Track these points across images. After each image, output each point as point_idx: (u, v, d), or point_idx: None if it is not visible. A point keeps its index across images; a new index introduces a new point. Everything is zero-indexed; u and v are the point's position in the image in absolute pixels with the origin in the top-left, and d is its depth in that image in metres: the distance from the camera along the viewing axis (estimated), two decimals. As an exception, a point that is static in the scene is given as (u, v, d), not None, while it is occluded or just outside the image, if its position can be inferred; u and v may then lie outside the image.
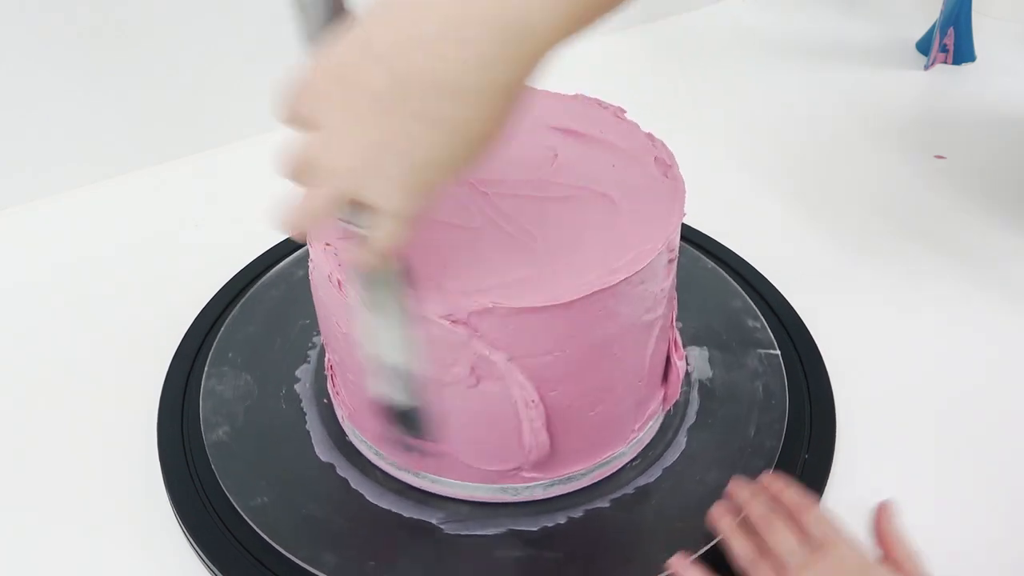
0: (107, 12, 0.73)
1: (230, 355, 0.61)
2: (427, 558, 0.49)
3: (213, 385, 0.58)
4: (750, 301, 0.65)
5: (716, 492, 0.51)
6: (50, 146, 0.76)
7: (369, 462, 0.54)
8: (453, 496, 0.52)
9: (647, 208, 0.48)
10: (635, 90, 0.92)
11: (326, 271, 0.46)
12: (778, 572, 0.44)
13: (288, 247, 0.69)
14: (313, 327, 0.62)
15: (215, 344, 0.61)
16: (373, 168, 0.35)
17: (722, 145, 0.87)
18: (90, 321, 0.65)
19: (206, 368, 0.60)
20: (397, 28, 0.33)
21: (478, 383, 0.45)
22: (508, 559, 0.49)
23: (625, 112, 0.55)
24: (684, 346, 0.60)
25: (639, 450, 0.55)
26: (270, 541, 0.49)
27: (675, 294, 0.52)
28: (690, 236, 0.70)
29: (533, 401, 0.46)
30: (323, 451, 0.55)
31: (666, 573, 0.47)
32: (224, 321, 0.63)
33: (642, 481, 0.53)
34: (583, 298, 0.43)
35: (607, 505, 0.52)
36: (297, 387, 0.59)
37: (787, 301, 0.66)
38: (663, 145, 0.52)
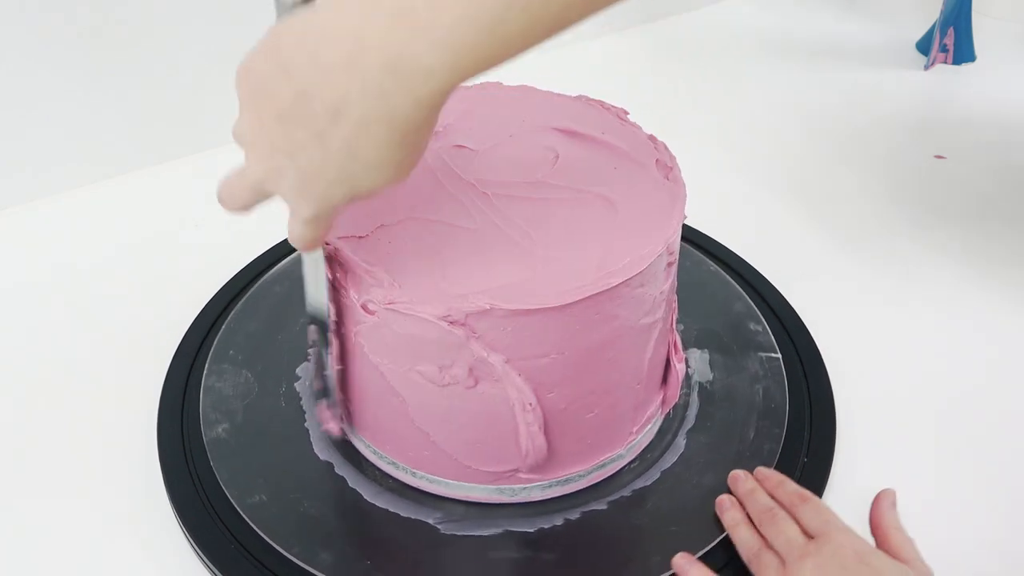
0: (107, 12, 0.73)
1: (231, 352, 0.61)
2: (423, 558, 0.49)
3: (213, 382, 0.58)
4: (752, 304, 0.64)
5: (713, 495, 0.51)
6: (50, 146, 0.76)
7: (367, 460, 0.54)
8: (450, 496, 0.52)
9: (647, 211, 0.48)
10: (635, 90, 0.92)
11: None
12: (779, 564, 0.45)
13: (289, 246, 0.69)
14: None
15: (216, 341, 0.61)
16: (276, 174, 0.38)
17: (722, 145, 0.87)
18: (90, 321, 0.65)
19: (207, 365, 0.60)
20: (304, 48, 0.34)
21: (476, 384, 0.45)
22: (504, 560, 0.49)
23: (628, 114, 0.55)
24: (685, 348, 0.60)
25: (637, 452, 0.55)
26: (270, 541, 0.49)
27: (675, 297, 0.52)
28: (690, 236, 0.70)
29: (531, 404, 0.46)
30: (321, 449, 0.55)
31: (669, 573, 0.47)
32: (225, 319, 0.63)
33: (640, 484, 0.53)
34: (581, 301, 0.43)
35: (604, 507, 0.52)
36: (297, 385, 0.59)
37: (787, 301, 0.66)
38: (665, 147, 0.52)
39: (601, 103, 0.56)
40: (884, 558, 0.44)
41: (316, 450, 0.55)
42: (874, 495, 0.53)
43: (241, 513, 0.50)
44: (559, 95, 0.57)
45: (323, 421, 0.53)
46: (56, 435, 0.57)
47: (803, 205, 0.78)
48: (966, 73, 0.99)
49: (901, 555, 0.45)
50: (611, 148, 0.52)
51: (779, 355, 0.60)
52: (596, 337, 0.45)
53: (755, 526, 0.48)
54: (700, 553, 0.48)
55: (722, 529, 0.49)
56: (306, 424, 0.56)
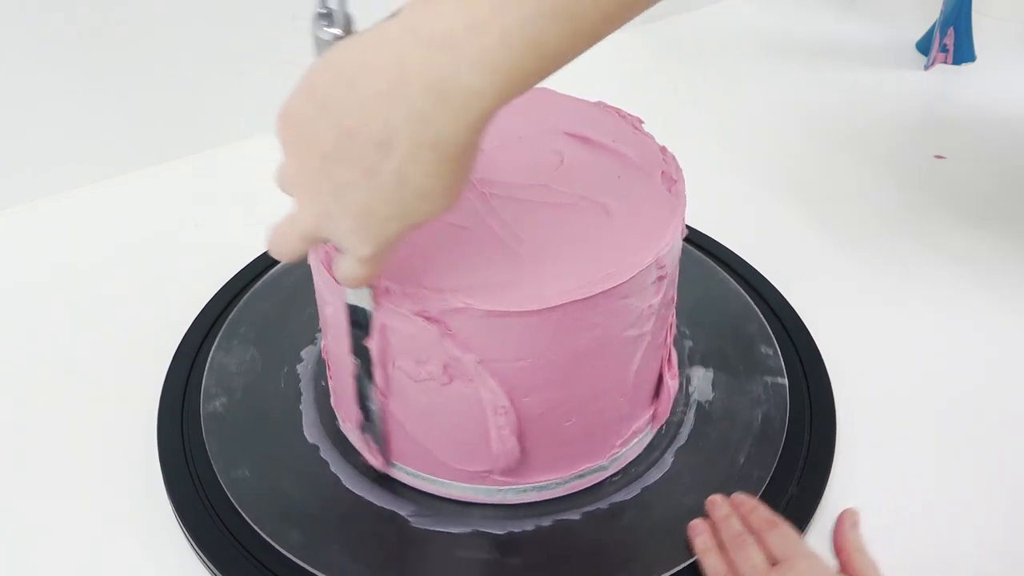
0: (107, 12, 0.73)
1: (242, 329, 0.62)
2: (391, 549, 0.50)
3: (220, 357, 0.60)
4: (766, 324, 0.63)
5: (691, 517, 0.50)
6: (50, 146, 0.76)
7: (352, 448, 0.55)
8: (426, 491, 0.52)
9: (643, 223, 0.47)
10: (635, 90, 0.92)
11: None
12: None
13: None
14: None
15: (230, 317, 0.63)
16: (328, 218, 0.37)
17: (722, 145, 0.87)
18: (90, 321, 0.65)
19: (216, 341, 0.61)
20: (342, 84, 0.34)
21: (450, 382, 0.45)
22: (470, 560, 0.49)
23: (643, 123, 0.54)
24: (690, 365, 0.60)
25: (622, 466, 0.54)
26: (271, 542, 0.49)
27: (672, 312, 0.52)
28: (690, 236, 0.70)
29: (503, 407, 0.46)
30: (311, 432, 0.56)
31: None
32: (225, 321, 0.63)
33: (618, 497, 0.52)
34: (558, 307, 0.43)
35: (578, 517, 0.51)
36: (299, 367, 0.60)
37: (787, 301, 0.66)
38: (674, 160, 0.52)
39: (618, 110, 0.55)
40: None
41: (306, 432, 0.56)
42: (874, 495, 0.53)
43: (242, 513, 0.50)
44: (577, 99, 0.56)
45: (365, 454, 0.53)
46: (56, 435, 0.57)
47: (803, 205, 0.78)
48: (966, 73, 0.99)
49: None
50: (619, 156, 0.51)
51: (786, 381, 0.59)
52: (575, 345, 0.45)
53: (726, 551, 0.48)
54: (669, 573, 0.48)
55: (693, 553, 0.48)
56: (300, 406, 0.57)
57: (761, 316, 0.64)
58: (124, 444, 0.56)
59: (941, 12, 0.98)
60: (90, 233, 0.75)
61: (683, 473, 0.54)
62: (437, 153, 0.33)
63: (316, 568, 0.48)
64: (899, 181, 0.82)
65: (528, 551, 0.50)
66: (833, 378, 0.60)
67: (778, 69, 1.01)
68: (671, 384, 0.54)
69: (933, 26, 1.00)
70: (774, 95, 0.96)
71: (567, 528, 0.51)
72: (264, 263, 0.68)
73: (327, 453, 0.54)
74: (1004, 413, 0.59)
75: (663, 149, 0.52)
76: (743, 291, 0.66)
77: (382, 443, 0.51)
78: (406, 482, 0.53)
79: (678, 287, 0.62)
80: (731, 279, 0.67)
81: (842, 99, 0.95)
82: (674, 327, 0.54)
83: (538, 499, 0.52)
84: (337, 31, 0.39)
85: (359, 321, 0.46)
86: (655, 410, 0.55)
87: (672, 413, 0.57)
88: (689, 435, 0.56)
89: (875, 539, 0.51)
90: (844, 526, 0.50)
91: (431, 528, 0.50)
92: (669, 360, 0.54)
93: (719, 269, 0.68)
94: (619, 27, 0.33)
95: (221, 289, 0.66)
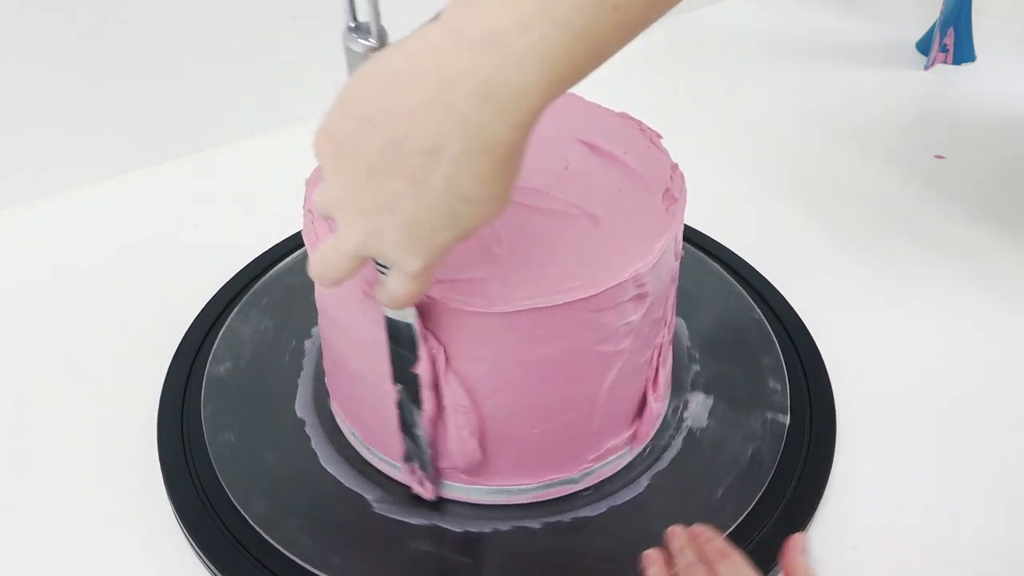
0: (107, 12, 0.73)
1: (264, 300, 0.65)
2: (347, 530, 0.50)
3: (237, 323, 0.63)
4: (782, 359, 0.61)
5: (653, 542, 0.48)
6: (50, 146, 0.76)
7: (338, 428, 0.56)
8: (396, 478, 0.53)
9: (630, 238, 0.46)
10: (635, 90, 0.92)
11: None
12: None
13: (288, 246, 0.69)
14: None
15: (256, 287, 0.65)
16: (378, 234, 0.36)
17: (722, 145, 0.87)
18: (90, 321, 0.65)
19: (237, 308, 0.64)
20: (386, 94, 0.33)
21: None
22: (421, 553, 0.49)
23: (661, 138, 0.53)
24: (692, 390, 0.59)
25: (595, 482, 0.53)
26: (271, 541, 0.49)
27: (662, 333, 0.51)
28: (690, 236, 0.70)
29: (463, 406, 0.46)
30: (301, 406, 0.57)
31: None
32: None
33: (584, 512, 0.51)
34: (521, 312, 0.42)
35: (537, 526, 0.51)
36: (307, 343, 0.61)
37: (787, 301, 0.66)
38: (682, 179, 0.50)
39: (640, 123, 0.54)
40: None
41: (296, 406, 0.57)
42: (874, 495, 0.53)
43: (242, 513, 0.50)
44: (602, 108, 0.55)
45: (411, 484, 0.52)
46: (56, 435, 0.57)
47: (803, 205, 0.78)
48: (966, 73, 0.99)
49: None
50: (625, 169, 0.50)
51: (787, 419, 0.57)
52: (538, 353, 0.45)
53: None
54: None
55: None
56: (299, 380, 0.59)
57: (779, 349, 0.61)
58: (124, 444, 0.56)
59: (941, 12, 0.98)
60: (90, 233, 0.75)
61: (656, 498, 0.52)
62: (486, 155, 0.33)
63: (317, 568, 0.48)
64: (899, 181, 0.82)
65: (480, 552, 0.50)
66: (833, 378, 0.60)
67: (778, 69, 1.01)
68: (655, 406, 0.53)
69: (933, 26, 1.00)
70: (774, 95, 0.96)
71: (525, 535, 0.50)
72: (264, 263, 0.68)
73: (312, 429, 0.56)
74: (1004, 413, 0.59)
75: (674, 167, 0.51)
76: (745, 292, 0.66)
77: (432, 468, 0.50)
78: (379, 467, 0.54)
79: (694, 307, 0.62)
80: (735, 282, 0.67)
81: (842, 99, 0.95)
82: (665, 350, 0.52)
83: (502, 503, 0.52)
84: (370, 42, 0.38)
85: (401, 337, 0.44)
86: (636, 430, 0.53)
87: (660, 436, 0.55)
88: (672, 460, 0.54)
89: (875, 539, 0.51)
90: (793, 552, 0.48)
91: (391, 516, 0.51)
92: (655, 382, 0.52)
93: (726, 274, 0.68)
94: (663, 15, 0.33)
95: (221, 289, 0.66)
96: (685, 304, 0.62)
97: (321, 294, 0.51)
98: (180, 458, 0.54)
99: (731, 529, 0.50)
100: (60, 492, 0.54)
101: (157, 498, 0.53)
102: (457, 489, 0.52)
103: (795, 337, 0.63)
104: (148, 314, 0.65)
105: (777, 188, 0.81)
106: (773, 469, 0.54)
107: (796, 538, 0.48)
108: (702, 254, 0.70)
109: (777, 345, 0.62)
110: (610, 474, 0.54)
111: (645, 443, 0.55)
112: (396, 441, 0.49)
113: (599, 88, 0.59)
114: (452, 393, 0.46)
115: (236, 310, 0.63)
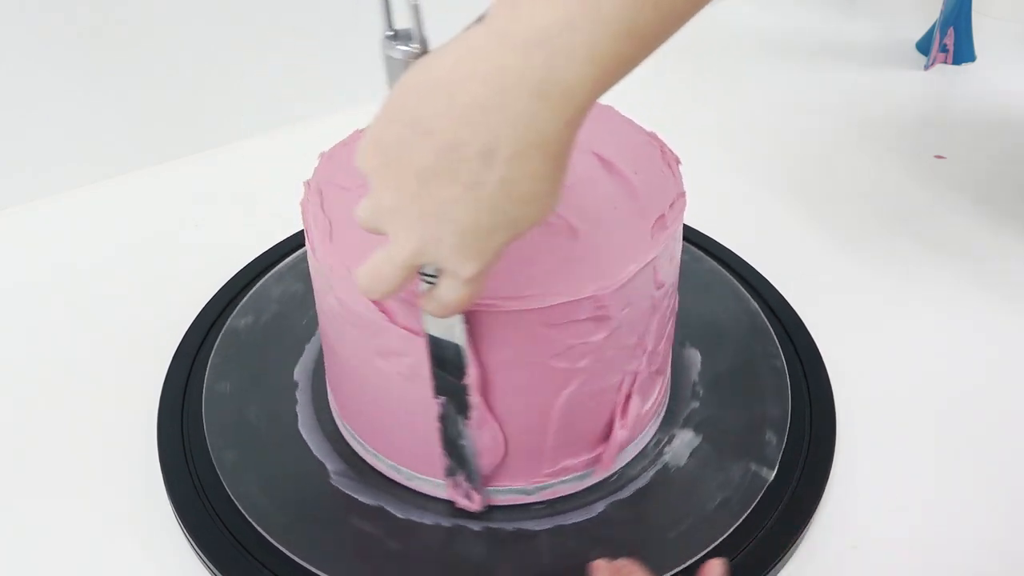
0: (107, 12, 0.73)
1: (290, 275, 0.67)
2: (303, 492, 0.53)
3: (271, 284, 0.66)
4: (789, 410, 0.57)
5: (583, 567, 0.46)
6: (50, 146, 0.76)
7: (326, 399, 0.57)
8: (359, 454, 0.54)
9: (602, 257, 0.45)
10: (635, 90, 0.92)
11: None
12: None
13: (289, 246, 0.69)
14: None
15: (256, 287, 0.66)
16: (432, 242, 0.35)
17: (722, 145, 0.87)
18: (90, 321, 0.65)
19: (241, 303, 0.65)
20: (437, 99, 0.33)
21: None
22: (363, 533, 0.50)
23: (680, 164, 0.52)
24: (683, 426, 0.56)
25: (548, 498, 0.52)
26: (272, 541, 0.49)
27: (637, 363, 0.49)
28: (690, 236, 0.70)
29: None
30: (299, 371, 0.59)
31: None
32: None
33: (528, 526, 0.51)
34: (472, 312, 0.42)
35: (477, 528, 0.50)
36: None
37: (787, 301, 0.66)
38: (681, 206, 0.49)
39: (662, 145, 0.53)
40: None
41: (295, 368, 0.60)
42: (874, 495, 0.53)
43: (243, 512, 0.50)
44: (632, 124, 0.54)
45: (455, 499, 0.51)
46: (56, 435, 0.57)
47: (803, 205, 0.78)
48: (966, 73, 0.99)
49: None
50: (629, 189, 0.49)
51: (771, 475, 0.53)
52: (494, 359, 0.44)
53: None
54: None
55: None
56: (307, 345, 0.61)
57: (791, 404, 0.58)
58: (124, 444, 0.56)
59: (941, 12, 0.98)
60: (90, 233, 0.75)
61: (605, 526, 0.51)
62: (543, 155, 0.33)
63: (316, 567, 0.48)
64: (899, 181, 0.82)
65: (413, 541, 0.50)
66: (833, 378, 0.60)
67: (778, 69, 1.01)
68: (620, 434, 0.51)
69: (933, 26, 0.99)
70: (774, 95, 0.96)
71: (462, 534, 0.50)
72: (264, 263, 0.68)
73: (302, 393, 0.58)
74: (1004, 413, 0.59)
75: (681, 194, 0.50)
76: (746, 293, 0.66)
77: (479, 480, 0.50)
78: (351, 444, 0.55)
79: (715, 342, 0.61)
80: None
81: (842, 99, 0.95)
82: (645, 380, 0.51)
83: (450, 499, 0.52)
84: (411, 48, 0.38)
85: (446, 358, 0.44)
86: (600, 455, 0.52)
87: (632, 466, 0.54)
88: (635, 492, 0.53)
89: (875, 539, 0.51)
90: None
91: (342, 489, 0.52)
92: (625, 409, 0.50)
93: (726, 273, 0.68)
94: (701, 8, 0.34)
95: (221, 289, 0.66)
96: (706, 336, 0.62)
97: (342, 335, 0.50)
98: (180, 458, 0.54)
99: (731, 529, 0.50)
100: (60, 492, 0.54)
101: (157, 498, 0.53)
102: (412, 477, 0.53)
103: (795, 337, 0.62)
104: (148, 314, 0.65)
105: (777, 188, 0.81)
106: (738, 523, 0.50)
107: (714, 564, 0.45)
108: (702, 254, 0.70)
109: (790, 399, 0.58)
110: (566, 493, 0.52)
111: (613, 470, 0.53)
112: (435, 458, 0.49)
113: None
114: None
115: (239, 306, 0.64)
